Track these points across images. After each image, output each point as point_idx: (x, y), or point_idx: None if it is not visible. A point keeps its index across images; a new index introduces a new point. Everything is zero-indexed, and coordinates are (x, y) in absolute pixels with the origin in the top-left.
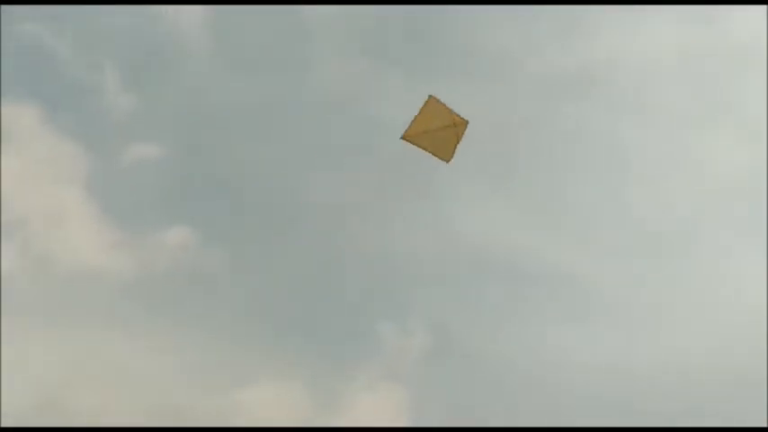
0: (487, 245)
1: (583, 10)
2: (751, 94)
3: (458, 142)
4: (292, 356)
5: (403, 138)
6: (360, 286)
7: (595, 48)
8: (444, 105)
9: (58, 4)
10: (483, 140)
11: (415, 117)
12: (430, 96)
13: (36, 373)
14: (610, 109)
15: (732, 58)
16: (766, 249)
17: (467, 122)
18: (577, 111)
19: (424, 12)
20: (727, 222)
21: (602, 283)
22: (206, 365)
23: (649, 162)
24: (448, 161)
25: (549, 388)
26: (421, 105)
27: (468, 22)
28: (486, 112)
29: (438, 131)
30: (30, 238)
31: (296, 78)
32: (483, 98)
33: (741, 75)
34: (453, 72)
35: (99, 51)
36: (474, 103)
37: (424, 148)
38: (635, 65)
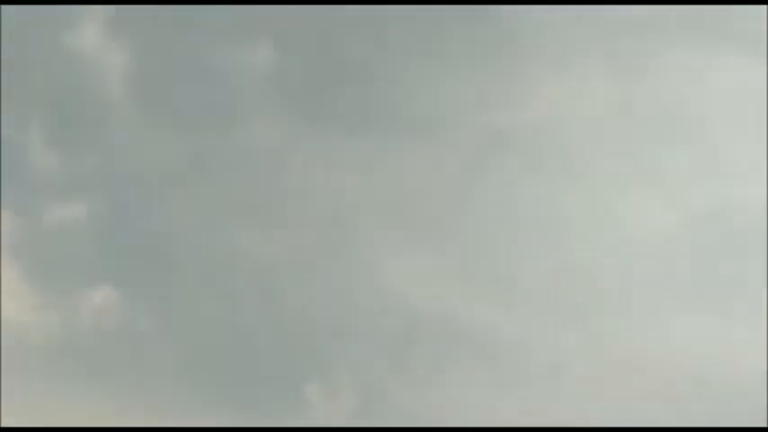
0: (416, 303)
1: (514, 70)
2: (678, 154)
3: None
4: (215, 420)
5: None
6: (287, 345)
7: (526, 107)
8: None
9: None
10: (412, 198)
11: None
12: None
13: None
14: (538, 168)
15: (661, 115)
16: (693, 310)
17: None
18: (507, 170)
19: (354, 67)
20: (654, 283)
21: (529, 343)
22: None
23: (576, 222)
24: None
25: None
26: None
27: (400, 80)
28: (415, 169)
29: None
30: None
31: (223, 135)
32: (412, 156)
33: (669, 134)
34: (383, 129)
35: (19, 106)
36: (403, 161)
37: None
38: (565, 124)
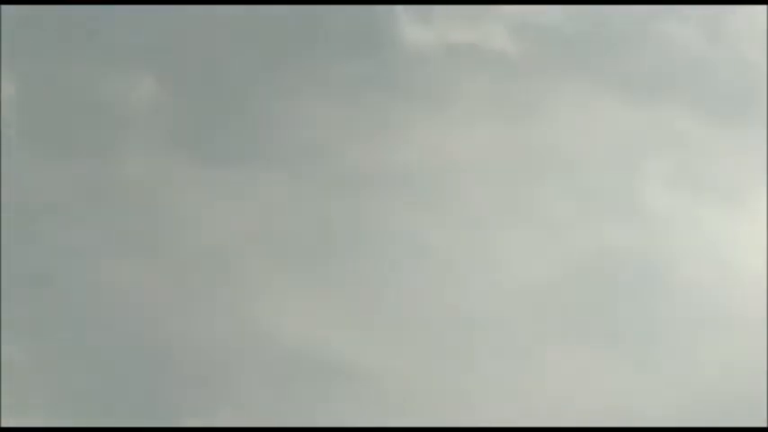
0: (295, 336)
1: (393, 108)
2: (559, 196)
3: None
4: None
5: None
6: (168, 380)
7: (403, 146)
8: None
9: None
10: (287, 233)
11: None
12: None
13: None
14: (413, 209)
15: (544, 158)
16: (573, 352)
17: None
18: (381, 209)
19: (235, 100)
20: (534, 322)
21: (407, 380)
22: None
23: (453, 262)
24: None
25: None
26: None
27: (278, 113)
28: (289, 202)
29: None
30: None
31: (104, 165)
32: (286, 188)
33: (551, 177)
34: (259, 163)
35: None
36: (276, 196)
37: None
38: (444, 165)
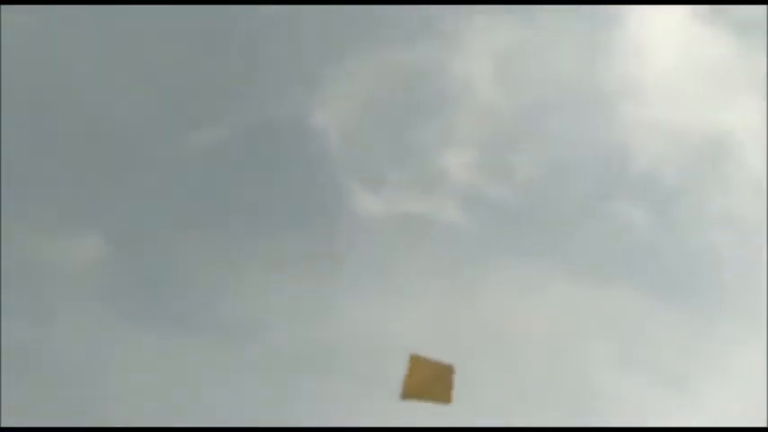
0: None
1: (337, 284)
2: (501, 376)
3: (452, 386)
4: None
5: (402, 398)
6: None
7: (340, 325)
8: (425, 359)
9: None
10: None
11: (405, 376)
12: (411, 355)
13: None
14: (345, 391)
15: (483, 338)
16: None
17: (452, 367)
18: (309, 390)
19: (179, 267)
20: None
21: None
22: None
23: None
24: (449, 402)
25: None
26: None
27: (219, 283)
28: (228, 378)
29: (428, 384)
30: None
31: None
32: (227, 364)
33: (491, 356)
34: (198, 331)
35: None
36: (220, 369)
37: (424, 400)
38: (380, 345)
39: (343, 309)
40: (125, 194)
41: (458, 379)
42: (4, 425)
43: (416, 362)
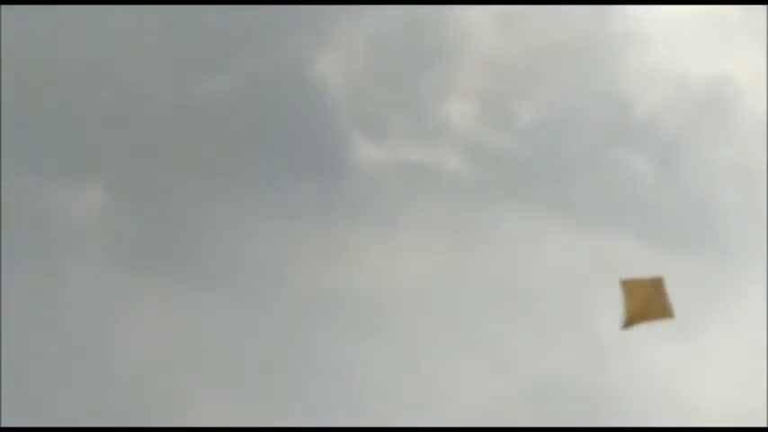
0: None
1: (341, 230)
2: (507, 323)
3: (667, 299)
4: None
5: (623, 328)
6: None
7: (354, 272)
8: (635, 280)
9: None
10: (228, 354)
11: (623, 303)
12: (622, 281)
13: None
14: (361, 335)
15: (489, 286)
16: None
17: (662, 279)
18: (323, 336)
19: (182, 214)
20: None
21: None
22: None
23: (397, 390)
24: (672, 317)
25: None
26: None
27: (225, 232)
28: (233, 324)
29: (647, 302)
30: None
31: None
32: (237, 313)
33: (499, 305)
34: (209, 284)
35: None
36: (221, 315)
37: (647, 321)
38: (393, 293)
39: (349, 258)
40: (127, 144)
41: (466, 327)
42: (4, 423)
43: (629, 285)
